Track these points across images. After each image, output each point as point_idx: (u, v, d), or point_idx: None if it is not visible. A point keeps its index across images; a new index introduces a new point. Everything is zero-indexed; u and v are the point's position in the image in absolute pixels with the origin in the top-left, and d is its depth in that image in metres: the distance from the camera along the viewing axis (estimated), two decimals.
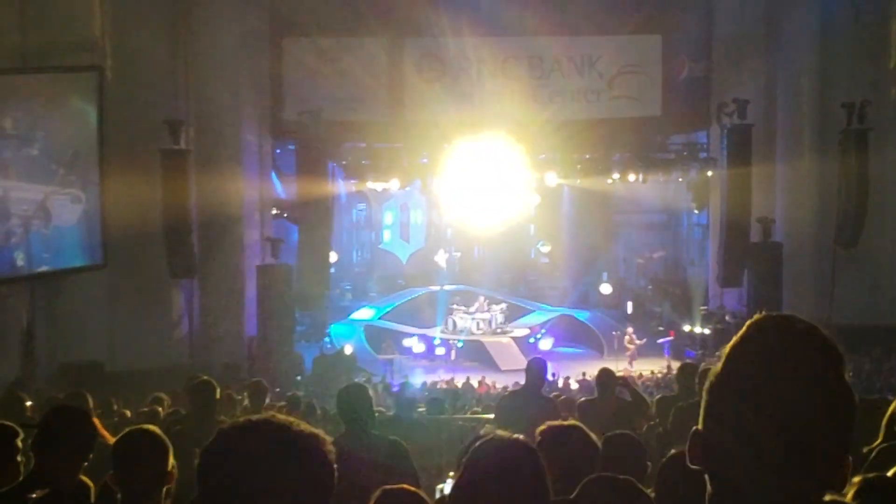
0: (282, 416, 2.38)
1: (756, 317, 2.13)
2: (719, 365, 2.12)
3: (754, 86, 28.77)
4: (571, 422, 4.88)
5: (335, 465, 2.34)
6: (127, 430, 4.74)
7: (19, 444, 5.47)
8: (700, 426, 2.15)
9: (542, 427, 4.60)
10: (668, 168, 32.62)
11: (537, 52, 31.18)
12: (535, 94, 31.08)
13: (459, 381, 27.87)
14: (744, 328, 2.12)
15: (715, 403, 2.12)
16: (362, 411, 7.29)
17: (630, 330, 32.80)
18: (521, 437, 3.22)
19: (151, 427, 4.68)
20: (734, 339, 2.12)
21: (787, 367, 2.02)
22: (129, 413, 12.72)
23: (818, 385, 2.02)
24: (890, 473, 4.55)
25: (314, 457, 2.32)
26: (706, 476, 2.15)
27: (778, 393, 2.00)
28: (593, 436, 4.61)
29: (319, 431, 2.38)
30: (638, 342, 31.95)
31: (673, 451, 4.64)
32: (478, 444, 3.24)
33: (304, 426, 2.36)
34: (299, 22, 29.49)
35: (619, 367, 26.33)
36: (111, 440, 5.27)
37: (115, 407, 13.31)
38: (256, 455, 2.25)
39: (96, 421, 7.69)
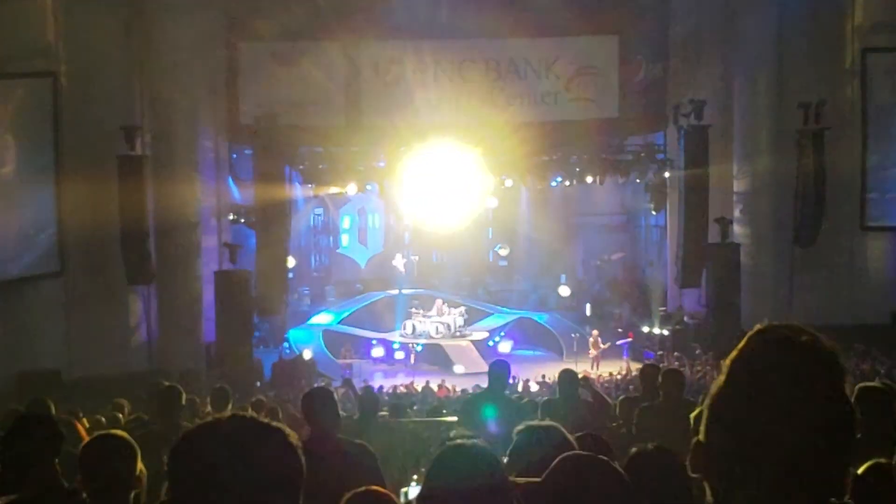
0: (246, 413, 2.42)
1: (758, 327, 2.10)
2: (722, 378, 2.09)
3: (711, 86, 28.99)
4: (549, 422, 4.84)
5: (302, 458, 2.38)
6: (95, 434, 4.70)
7: None
8: (702, 437, 2.12)
9: (521, 427, 4.57)
10: (625, 170, 32.66)
11: (494, 54, 31.12)
12: (492, 96, 31.02)
13: (419, 385, 27.83)
14: (746, 340, 2.09)
15: (717, 418, 2.10)
16: (327, 415, 7.25)
17: (595, 333, 32.85)
18: (481, 441, 3.18)
19: (119, 432, 4.64)
20: (737, 351, 2.09)
21: (789, 385, 2.00)
22: (86, 422, 12.58)
23: (820, 404, 2.00)
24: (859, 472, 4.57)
25: (281, 448, 2.35)
26: (705, 484, 2.12)
27: (780, 412, 1.98)
28: (570, 436, 4.57)
29: (283, 426, 2.40)
30: (603, 346, 31.99)
31: (634, 449, 4.63)
32: (440, 451, 3.20)
33: (269, 421, 2.39)
34: (255, 25, 29.30)
35: (579, 368, 26.36)
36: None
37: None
38: (224, 451, 2.28)
39: (79, 426, 7.60)
